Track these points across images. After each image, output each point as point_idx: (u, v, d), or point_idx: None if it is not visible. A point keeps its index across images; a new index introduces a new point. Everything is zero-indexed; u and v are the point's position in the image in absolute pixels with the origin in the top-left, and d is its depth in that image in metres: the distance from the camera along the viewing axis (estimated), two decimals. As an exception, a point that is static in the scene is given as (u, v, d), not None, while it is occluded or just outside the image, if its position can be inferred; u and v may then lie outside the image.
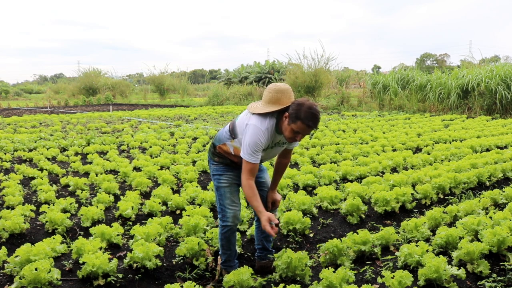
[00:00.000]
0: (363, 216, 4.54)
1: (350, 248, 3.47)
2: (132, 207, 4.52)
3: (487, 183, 5.78)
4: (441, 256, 2.87)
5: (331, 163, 7.21)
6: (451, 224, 4.10)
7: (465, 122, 13.58)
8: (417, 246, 3.14)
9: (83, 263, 3.15)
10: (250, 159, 2.89)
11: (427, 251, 3.15)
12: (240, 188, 3.21)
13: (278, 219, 3.26)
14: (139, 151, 8.41)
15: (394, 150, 8.37)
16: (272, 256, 3.45)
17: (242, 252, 3.74)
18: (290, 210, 4.42)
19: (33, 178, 6.13)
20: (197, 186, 5.29)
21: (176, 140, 9.85)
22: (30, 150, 8.41)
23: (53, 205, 4.68)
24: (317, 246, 3.81)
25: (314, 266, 3.52)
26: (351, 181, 5.92)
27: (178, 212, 4.70)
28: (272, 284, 3.09)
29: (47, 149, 8.47)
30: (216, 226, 4.18)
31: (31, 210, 4.51)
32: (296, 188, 5.57)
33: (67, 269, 3.27)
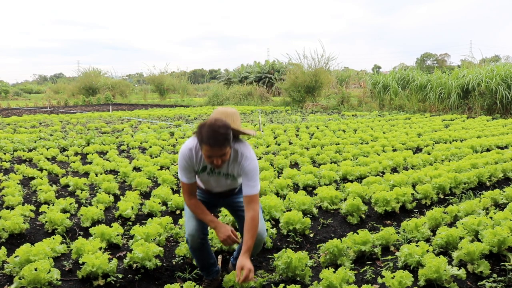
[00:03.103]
0: (363, 216, 4.53)
1: (350, 248, 3.47)
2: (132, 207, 4.52)
3: (488, 183, 5.77)
4: (441, 256, 2.86)
5: (331, 163, 7.20)
6: (451, 224, 4.09)
7: (465, 122, 13.57)
8: (417, 246, 3.14)
9: (83, 263, 3.14)
10: (179, 176, 2.88)
11: (427, 251, 3.14)
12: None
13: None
14: (139, 151, 8.40)
15: (394, 150, 8.37)
16: None
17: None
18: (290, 210, 4.42)
19: (32, 178, 6.12)
20: (197, 186, 5.28)
21: (176, 140, 9.84)
22: (30, 150, 8.40)
23: (53, 205, 4.68)
24: (317, 246, 3.80)
25: (314, 266, 3.51)
26: (351, 181, 5.91)
27: (178, 212, 4.69)
28: (272, 284, 3.08)
29: (47, 149, 8.46)
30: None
31: (31, 210, 4.50)
32: (296, 188, 5.56)
33: (66, 269, 3.26)
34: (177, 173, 6.27)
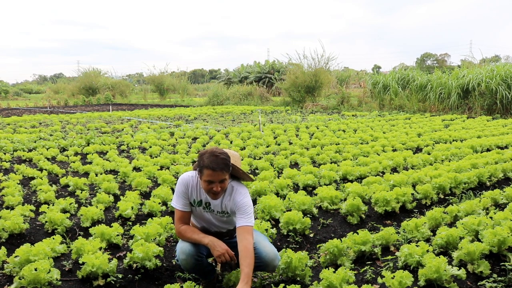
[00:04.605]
0: (363, 216, 4.53)
1: (350, 248, 3.46)
2: (132, 207, 4.52)
3: (488, 183, 5.77)
4: (441, 256, 2.86)
5: (331, 163, 7.20)
6: (451, 224, 4.09)
7: (465, 122, 13.57)
8: (417, 246, 3.14)
9: (83, 263, 3.14)
10: (173, 203, 2.96)
11: (427, 251, 3.14)
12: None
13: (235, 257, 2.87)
14: (139, 151, 8.40)
15: (394, 150, 8.36)
16: None
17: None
18: (290, 210, 4.42)
19: (32, 178, 6.12)
20: (197, 186, 5.28)
21: (176, 140, 9.84)
22: (30, 150, 8.40)
23: (53, 205, 4.68)
24: (317, 246, 3.80)
25: (314, 266, 3.51)
26: (351, 181, 5.91)
27: (178, 212, 4.69)
28: (272, 284, 3.08)
29: (47, 149, 8.46)
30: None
31: (31, 210, 4.50)
32: (296, 188, 5.56)
33: (66, 269, 3.26)
34: (177, 173, 6.27)
